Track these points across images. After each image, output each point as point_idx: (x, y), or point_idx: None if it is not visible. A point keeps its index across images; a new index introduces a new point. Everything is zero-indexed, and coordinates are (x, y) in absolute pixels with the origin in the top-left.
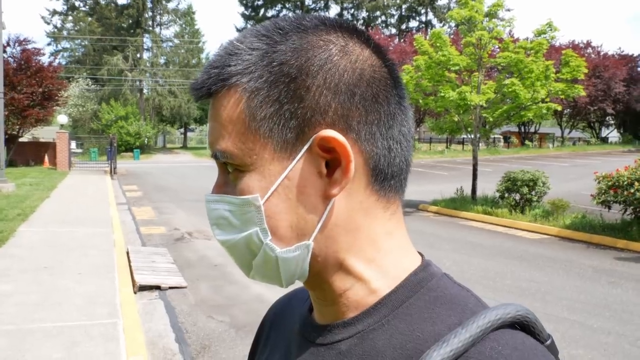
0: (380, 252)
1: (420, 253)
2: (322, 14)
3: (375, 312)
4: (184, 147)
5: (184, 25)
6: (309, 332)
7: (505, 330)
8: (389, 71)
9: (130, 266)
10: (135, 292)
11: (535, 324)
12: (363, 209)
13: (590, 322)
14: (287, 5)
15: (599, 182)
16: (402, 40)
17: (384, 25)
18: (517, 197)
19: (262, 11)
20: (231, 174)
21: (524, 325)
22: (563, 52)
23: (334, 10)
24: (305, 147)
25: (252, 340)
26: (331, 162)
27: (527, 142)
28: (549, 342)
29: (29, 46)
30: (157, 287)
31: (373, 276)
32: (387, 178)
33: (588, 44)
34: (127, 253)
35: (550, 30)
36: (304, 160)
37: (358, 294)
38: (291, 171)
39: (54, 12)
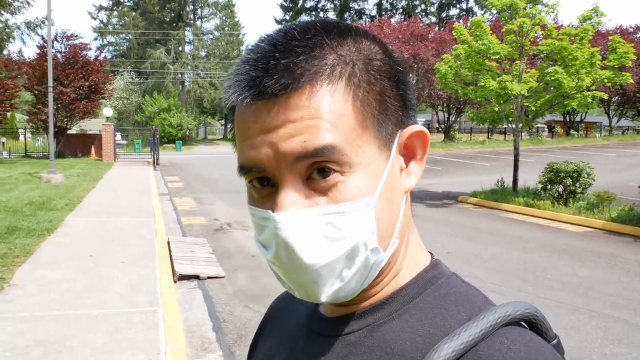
0: (407, 252)
1: (429, 252)
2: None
3: (386, 306)
4: (225, 138)
5: (224, 18)
6: (317, 324)
7: (514, 327)
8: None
9: (170, 256)
10: (175, 282)
11: (543, 322)
12: (406, 200)
13: (635, 320)
14: None
15: None
16: (442, 28)
17: (423, 14)
18: (560, 188)
19: (300, 2)
20: (328, 178)
21: (532, 324)
22: (610, 38)
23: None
24: (396, 143)
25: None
26: (405, 155)
27: (572, 131)
28: (555, 341)
29: (76, 41)
30: (196, 277)
31: (400, 274)
32: None
33: (638, 28)
34: (168, 243)
35: (596, 15)
36: (393, 156)
37: (385, 290)
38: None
39: (100, 8)
